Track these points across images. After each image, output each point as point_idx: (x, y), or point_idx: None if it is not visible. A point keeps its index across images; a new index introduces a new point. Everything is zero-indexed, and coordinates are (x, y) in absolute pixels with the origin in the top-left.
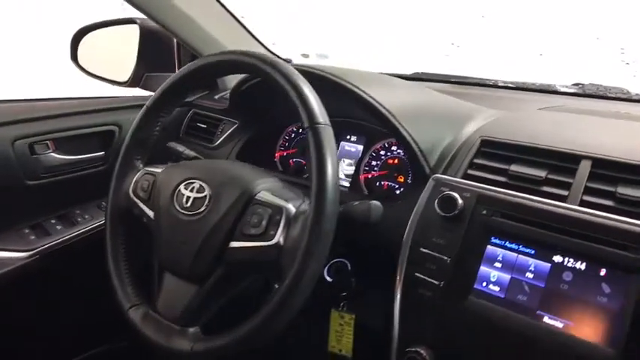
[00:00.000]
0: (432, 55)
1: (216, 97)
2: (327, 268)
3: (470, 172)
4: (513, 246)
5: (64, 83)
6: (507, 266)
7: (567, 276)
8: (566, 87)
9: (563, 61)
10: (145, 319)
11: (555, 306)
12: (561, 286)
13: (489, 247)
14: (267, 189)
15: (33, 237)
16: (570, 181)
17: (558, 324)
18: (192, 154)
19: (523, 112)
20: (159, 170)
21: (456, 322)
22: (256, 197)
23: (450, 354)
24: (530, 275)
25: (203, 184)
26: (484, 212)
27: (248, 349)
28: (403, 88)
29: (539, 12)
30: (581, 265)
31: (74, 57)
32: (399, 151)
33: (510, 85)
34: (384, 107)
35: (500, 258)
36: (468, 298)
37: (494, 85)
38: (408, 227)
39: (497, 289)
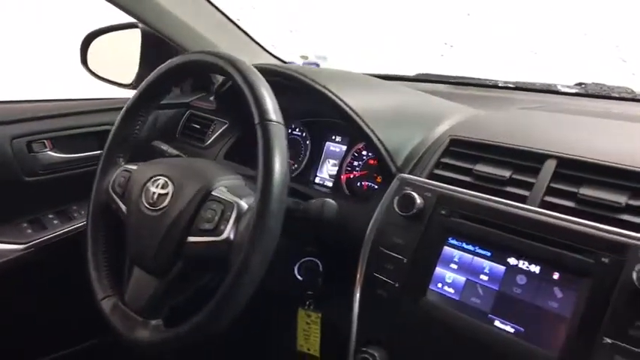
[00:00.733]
0: (428, 55)
1: (211, 98)
2: (297, 267)
3: (436, 171)
4: (470, 247)
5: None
6: (463, 268)
7: (521, 279)
8: (568, 87)
9: (557, 59)
10: (114, 309)
11: (507, 310)
12: (514, 289)
13: (446, 248)
14: (225, 185)
15: (30, 231)
16: (533, 181)
17: (509, 329)
18: (175, 152)
19: (500, 112)
20: (135, 167)
21: (410, 323)
22: (212, 193)
23: (404, 355)
24: (484, 278)
25: (167, 181)
26: (443, 212)
27: (198, 339)
28: (377, 88)
29: (526, 9)
30: (535, 269)
31: (84, 61)
32: None
33: (510, 85)
34: (349, 107)
35: (456, 259)
36: (423, 299)
37: (494, 86)
38: (369, 227)
39: (452, 290)
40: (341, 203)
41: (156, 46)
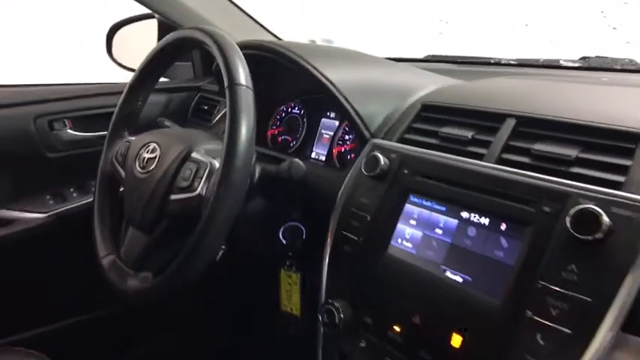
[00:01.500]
0: (428, 34)
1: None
2: (282, 231)
3: (406, 135)
4: (428, 204)
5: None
6: (421, 223)
7: (471, 232)
8: (572, 61)
9: (548, 31)
10: (112, 265)
11: (457, 261)
12: (465, 241)
13: (407, 205)
14: (204, 148)
15: (52, 202)
16: (492, 139)
17: (458, 279)
18: (176, 125)
19: (475, 81)
20: (134, 138)
21: (372, 276)
22: (192, 155)
23: (365, 305)
24: (439, 231)
25: (156, 146)
26: (406, 172)
27: (176, 287)
28: (360, 62)
29: None
30: (485, 221)
31: (109, 51)
32: None
33: (513, 62)
34: (328, 80)
35: (415, 216)
36: (385, 253)
37: (497, 63)
38: (341, 189)
39: (410, 245)
40: (328, 173)
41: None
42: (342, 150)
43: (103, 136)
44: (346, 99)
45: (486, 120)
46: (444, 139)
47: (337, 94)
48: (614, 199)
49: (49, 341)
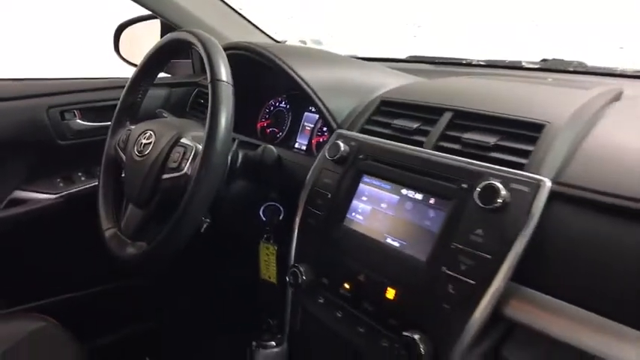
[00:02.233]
0: (402, 36)
1: None
2: (262, 209)
3: (366, 127)
4: (377, 183)
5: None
6: (371, 199)
7: (408, 205)
8: (532, 63)
9: (520, 32)
10: (113, 236)
11: (396, 229)
12: (403, 213)
13: (361, 185)
14: (192, 135)
15: (62, 184)
16: (431, 129)
17: (396, 244)
18: (172, 116)
19: (433, 80)
20: (134, 127)
21: (330, 244)
22: (180, 140)
23: (324, 268)
24: (384, 206)
25: (152, 133)
26: (361, 157)
27: (164, 254)
28: (331, 62)
29: None
30: (419, 196)
31: (117, 49)
32: None
33: (482, 63)
34: (302, 78)
35: (367, 193)
36: (341, 225)
37: (469, 64)
38: (310, 172)
39: (361, 217)
40: (305, 160)
41: None
42: (320, 140)
43: (109, 126)
44: (317, 95)
45: (430, 113)
46: (395, 130)
47: (309, 90)
48: (514, 177)
49: (58, 309)
